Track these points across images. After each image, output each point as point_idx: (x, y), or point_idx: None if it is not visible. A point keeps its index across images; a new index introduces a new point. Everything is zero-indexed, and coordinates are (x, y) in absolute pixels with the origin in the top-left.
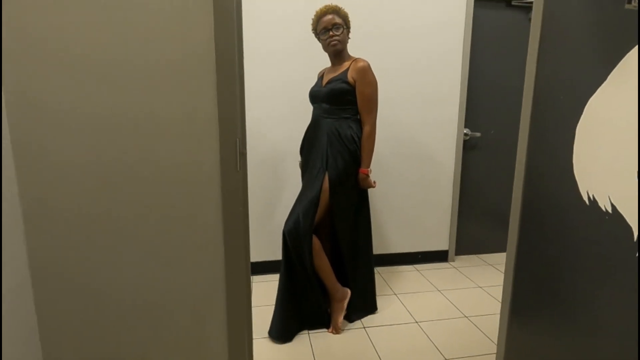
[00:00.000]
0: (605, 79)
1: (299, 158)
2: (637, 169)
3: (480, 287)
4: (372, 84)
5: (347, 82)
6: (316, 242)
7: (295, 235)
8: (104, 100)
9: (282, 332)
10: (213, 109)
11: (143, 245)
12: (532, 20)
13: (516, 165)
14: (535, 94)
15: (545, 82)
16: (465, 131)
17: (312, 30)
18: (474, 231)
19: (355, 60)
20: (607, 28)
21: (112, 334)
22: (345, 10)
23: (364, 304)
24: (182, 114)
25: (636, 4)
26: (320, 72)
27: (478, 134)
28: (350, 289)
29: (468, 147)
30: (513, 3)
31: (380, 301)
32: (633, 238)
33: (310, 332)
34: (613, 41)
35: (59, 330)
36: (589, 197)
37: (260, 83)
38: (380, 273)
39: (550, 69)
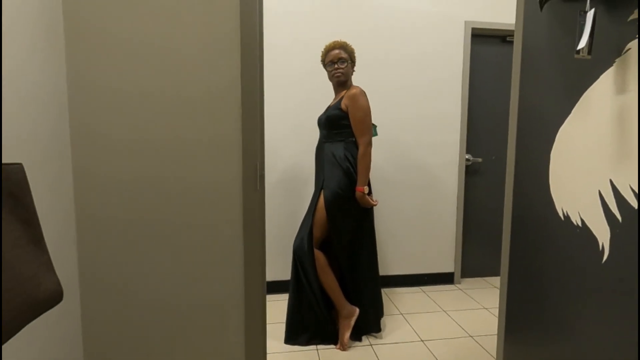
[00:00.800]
0: (570, 111)
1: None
2: (597, 188)
3: (485, 308)
4: (363, 109)
5: (340, 109)
6: (321, 258)
7: (300, 252)
8: (147, 127)
9: (290, 337)
10: (237, 136)
11: (172, 255)
12: (513, 59)
13: (505, 186)
14: (519, 124)
15: (525, 113)
16: (467, 157)
17: (321, 61)
18: (479, 254)
19: (350, 88)
20: (569, 68)
21: (142, 334)
22: (352, 46)
23: (366, 323)
24: (210, 140)
25: (584, 54)
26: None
27: (480, 160)
28: (362, 304)
29: (470, 172)
30: (508, 39)
31: (386, 320)
32: (599, 247)
33: (318, 347)
34: (575, 79)
35: (99, 328)
36: (563, 213)
37: (274, 106)
38: (387, 294)
39: (528, 103)
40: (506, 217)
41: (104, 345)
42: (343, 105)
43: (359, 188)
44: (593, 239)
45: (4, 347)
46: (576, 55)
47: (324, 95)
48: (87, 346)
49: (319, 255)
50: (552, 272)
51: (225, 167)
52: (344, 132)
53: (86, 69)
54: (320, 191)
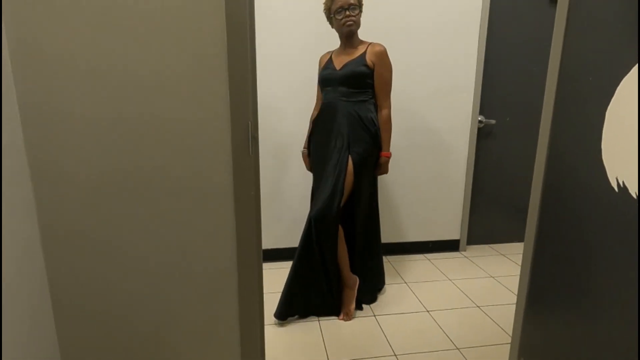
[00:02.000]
0: (638, 59)
1: (301, 147)
2: None
3: (492, 277)
4: (390, 68)
5: (367, 65)
6: (339, 228)
7: (322, 221)
8: (117, 60)
9: (285, 314)
10: (224, 88)
11: (157, 227)
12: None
13: (537, 149)
14: (561, 74)
15: (572, 62)
16: (479, 118)
17: (325, 10)
18: (486, 221)
19: (372, 44)
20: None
21: (126, 317)
22: None
23: (373, 289)
24: (191, 91)
25: None
26: (325, 56)
27: (493, 121)
28: (362, 274)
29: (482, 135)
30: None
31: (391, 290)
32: None
33: (320, 319)
34: None
35: (73, 309)
36: (618, 184)
37: (269, 58)
38: (391, 262)
39: (577, 49)
40: (536, 183)
41: (79, 327)
42: (369, 62)
43: (386, 153)
44: None
45: None
46: None
47: (323, 49)
48: (60, 330)
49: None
50: (598, 250)
51: (209, 124)
52: (368, 91)
53: (33, 34)
54: (347, 154)
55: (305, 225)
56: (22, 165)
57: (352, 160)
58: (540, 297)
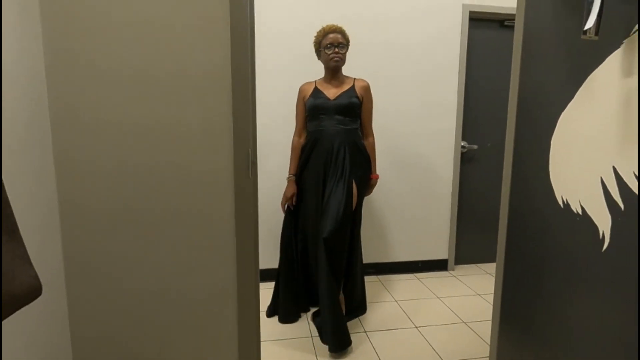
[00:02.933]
0: (573, 96)
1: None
2: (599, 175)
3: (479, 295)
4: (372, 101)
5: (357, 97)
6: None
7: (332, 241)
8: (133, 110)
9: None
10: (228, 120)
11: (162, 243)
12: (514, 41)
13: (503, 174)
14: (518, 109)
15: (525, 98)
16: (462, 144)
17: (315, 43)
18: (473, 241)
19: (357, 79)
20: (574, 51)
21: (132, 325)
22: (348, 34)
23: (358, 306)
24: (200, 124)
25: (591, 35)
26: (308, 86)
27: (475, 147)
28: (347, 292)
29: (466, 159)
30: (506, 23)
31: (381, 307)
32: (599, 235)
33: (312, 334)
34: (579, 62)
35: (87, 319)
36: (563, 201)
37: (266, 93)
38: (381, 281)
39: (529, 87)
40: (503, 204)
41: (93, 337)
42: (359, 95)
43: (375, 175)
44: (593, 227)
45: None
46: (583, 36)
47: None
48: (75, 339)
49: None
50: (550, 260)
51: (214, 152)
52: (357, 120)
53: (65, 47)
54: (349, 179)
55: (302, 245)
56: (53, 206)
57: (356, 184)
58: (511, 311)
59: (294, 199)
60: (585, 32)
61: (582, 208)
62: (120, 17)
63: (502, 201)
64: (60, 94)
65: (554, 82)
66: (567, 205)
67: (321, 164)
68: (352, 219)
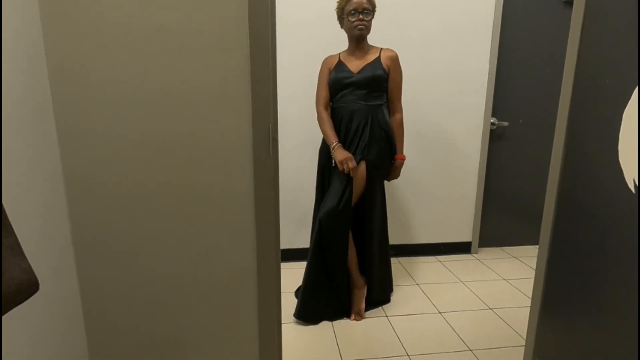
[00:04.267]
0: None
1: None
2: None
3: (505, 280)
4: (401, 73)
5: (383, 69)
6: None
7: (330, 222)
8: (147, 77)
9: (309, 315)
10: (246, 90)
11: (180, 224)
12: (574, 2)
13: (553, 152)
14: (577, 77)
15: (589, 65)
16: (492, 120)
17: (337, 9)
18: (498, 223)
19: (384, 49)
20: None
21: (148, 309)
22: None
23: (381, 293)
24: (215, 96)
25: None
26: (332, 59)
27: (505, 123)
28: (373, 278)
29: (495, 137)
30: None
31: (402, 291)
32: None
33: (332, 320)
34: None
35: (100, 304)
36: (635, 185)
37: (283, 60)
38: (402, 263)
39: (593, 52)
40: (551, 185)
41: (107, 321)
42: (385, 66)
43: (401, 156)
44: None
45: None
46: None
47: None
48: (89, 325)
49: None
50: (614, 251)
51: (232, 128)
52: (383, 95)
53: (65, 7)
54: (360, 158)
55: (315, 226)
56: (57, 178)
57: (367, 163)
58: (555, 299)
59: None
60: None
61: None
62: None
63: (550, 183)
64: (60, 55)
65: (629, 45)
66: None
67: (342, 142)
68: (372, 202)
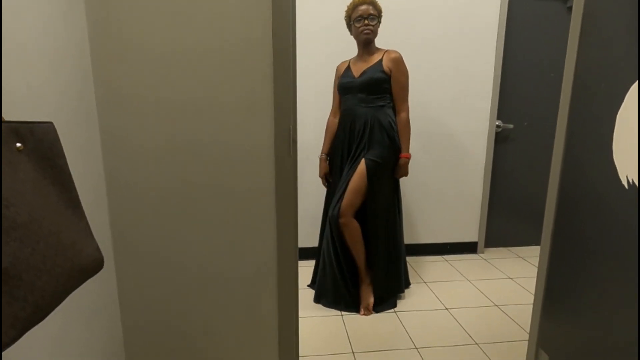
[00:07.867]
0: None
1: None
2: None
3: (511, 278)
4: (406, 73)
5: (384, 72)
6: (357, 227)
7: (334, 220)
8: (175, 86)
9: (326, 296)
10: (269, 97)
11: (209, 224)
12: (573, 9)
13: (553, 153)
14: (575, 81)
15: (586, 70)
16: (497, 123)
17: (346, 17)
18: (504, 224)
19: (387, 51)
20: None
21: (178, 302)
22: (380, 5)
23: (385, 291)
24: (240, 101)
25: None
26: (343, 65)
27: (511, 126)
28: (382, 278)
29: (500, 139)
30: None
31: (409, 288)
32: None
33: (343, 313)
34: None
35: (135, 296)
36: (628, 181)
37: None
38: (409, 262)
39: (590, 58)
40: (552, 183)
41: (140, 314)
42: (386, 68)
43: (405, 155)
44: None
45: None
46: None
47: (342, 59)
48: (124, 318)
49: (355, 224)
50: (611, 245)
51: (256, 129)
52: (386, 96)
53: (108, 25)
54: (361, 159)
55: (328, 224)
56: (100, 181)
57: (367, 163)
58: (556, 295)
59: (329, 177)
60: None
61: None
62: None
63: (551, 180)
64: (104, 71)
65: (622, 53)
66: (632, 186)
67: (344, 146)
68: (375, 202)
